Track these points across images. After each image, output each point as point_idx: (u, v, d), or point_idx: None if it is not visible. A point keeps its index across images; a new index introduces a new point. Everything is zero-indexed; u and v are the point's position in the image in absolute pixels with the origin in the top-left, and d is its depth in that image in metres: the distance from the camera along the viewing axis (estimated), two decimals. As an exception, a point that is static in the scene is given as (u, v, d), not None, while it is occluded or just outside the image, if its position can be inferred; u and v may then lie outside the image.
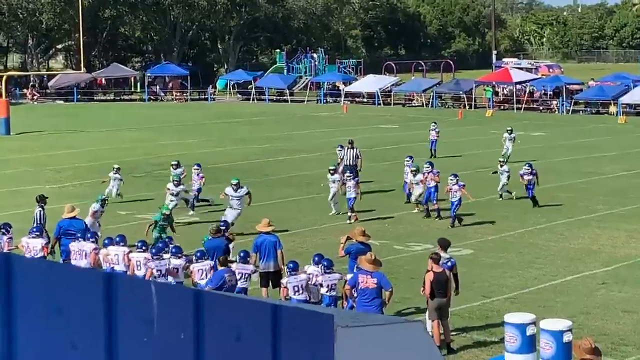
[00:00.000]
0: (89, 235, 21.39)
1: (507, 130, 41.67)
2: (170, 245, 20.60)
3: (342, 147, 36.55)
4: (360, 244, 20.03)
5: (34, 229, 22.13)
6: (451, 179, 29.62)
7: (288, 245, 23.92)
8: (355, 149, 35.97)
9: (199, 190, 32.65)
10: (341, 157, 36.08)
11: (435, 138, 42.82)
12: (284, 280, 18.63)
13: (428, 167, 30.82)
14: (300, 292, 18.14)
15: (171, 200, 29.59)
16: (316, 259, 18.84)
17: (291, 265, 18.56)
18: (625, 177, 38.35)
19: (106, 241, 20.99)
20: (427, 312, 18.14)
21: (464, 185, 29.67)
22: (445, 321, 17.84)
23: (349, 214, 29.88)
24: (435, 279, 17.79)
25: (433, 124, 43.75)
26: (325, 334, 3.25)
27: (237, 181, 28.87)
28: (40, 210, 24.52)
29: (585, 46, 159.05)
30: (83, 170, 41.41)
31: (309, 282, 18.28)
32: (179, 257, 19.77)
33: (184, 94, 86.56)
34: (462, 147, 43.71)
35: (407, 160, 33.20)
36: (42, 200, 25.04)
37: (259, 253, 20.62)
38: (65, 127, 59.97)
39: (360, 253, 19.35)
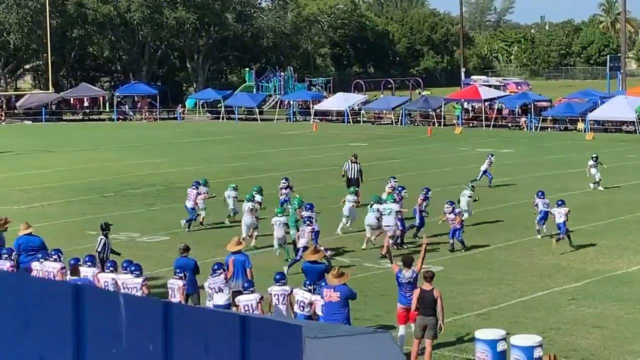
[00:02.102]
0: (52, 252, 21.12)
1: (592, 158, 39.81)
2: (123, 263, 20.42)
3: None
4: (309, 262, 20.03)
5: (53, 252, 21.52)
6: (447, 207, 28.79)
7: (258, 263, 23.85)
8: (358, 164, 37.08)
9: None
10: (345, 171, 37.24)
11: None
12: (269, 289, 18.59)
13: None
14: (285, 302, 18.17)
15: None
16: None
17: (278, 276, 18.59)
18: (593, 194, 38.57)
19: (72, 262, 20.75)
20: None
21: (460, 213, 29.18)
22: (429, 342, 17.80)
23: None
24: (421, 296, 17.82)
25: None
26: (293, 345, 3.26)
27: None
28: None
29: (553, 63, 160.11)
30: (52, 191, 41.21)
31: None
32: (139, 276, 19.59)
33: (153, 114, 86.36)
34: (432, 164, 43.83)
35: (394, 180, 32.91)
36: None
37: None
38: (34, 147, 59.68)
39: (307, 272, 19.47)
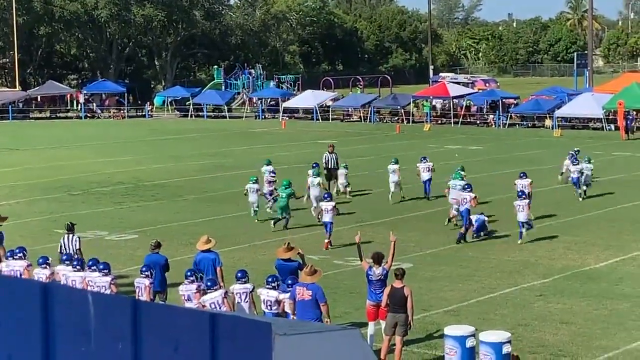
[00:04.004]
0: (17, 250, 20.94)
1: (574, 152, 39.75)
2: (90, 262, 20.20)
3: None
4: (282, 260, 19.97)
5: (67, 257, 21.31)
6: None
7: (227, 261, 23.82)
8: (335, 153, 38.92)
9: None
10: (325, 162, 38.56)
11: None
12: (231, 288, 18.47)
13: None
14: (247, 300, 18.09)
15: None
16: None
17: (239, 274, 18.48)
18: (561, 190, 38.74)
19: (40, 260, 20.59)
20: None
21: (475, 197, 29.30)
22: (400, 338, 17.82)
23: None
24: (391, 293, 17.83)
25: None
26: (263, 342, 3.25)
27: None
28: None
29: (521, 60, 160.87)
30: (18, 189, 40.97)
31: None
32: (107, 275, 19.45)
33: (121, 111, 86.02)
34: (401, 161, 43.74)
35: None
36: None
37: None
38: (0, 145, 59.29)
39: (280, 270, 19.43)
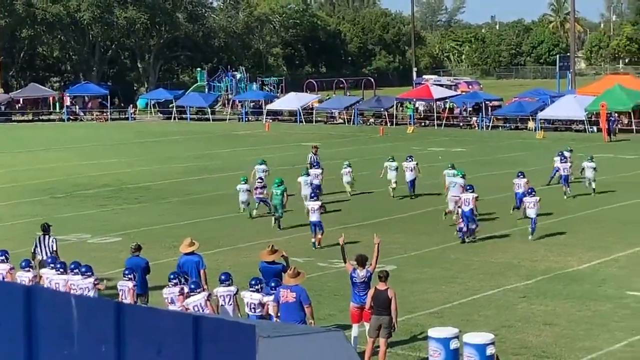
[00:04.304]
0: None
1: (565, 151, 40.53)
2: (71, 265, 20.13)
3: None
4: (266, 262, 19.94)
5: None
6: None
7: (211, 264, 23.79)
8: (317, 155, 39.82)
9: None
10: (309, 162, 39.33)
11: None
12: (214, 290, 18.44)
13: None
14: (231, 302, 18.06)
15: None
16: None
17: (223, 277, 18.44)
18: (543, 192, 38.77)
19: (23, 263, 20.52)
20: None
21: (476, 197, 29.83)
22: (384, 341, 17.83)
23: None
24: (375, 295, 17.84)
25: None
26: (246, 344, 3.24)
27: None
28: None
29: (504, 63, 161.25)
30: (1, 192, 40.83)
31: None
32: (89, 276, 19.39)
33: (104, 114, 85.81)
34: (384, 163, 43.81)
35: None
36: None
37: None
38: (-17, 148, 59.10)
39: (264, 272, 19.42)
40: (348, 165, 39.11)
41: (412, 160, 38.35)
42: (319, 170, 37.43)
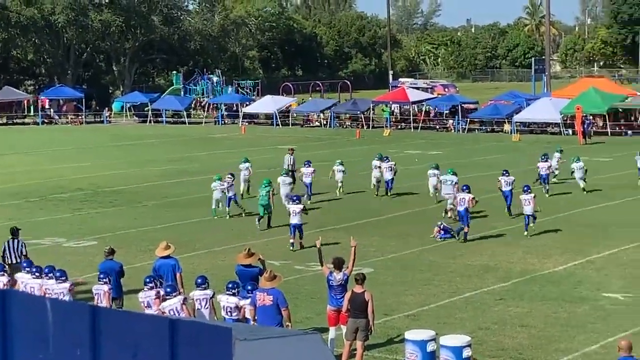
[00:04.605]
0: None
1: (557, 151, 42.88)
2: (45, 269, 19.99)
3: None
4: (242, 265, 19.89)
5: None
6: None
7: (187, 267, 23.73)
8: (293, 157, 40.93)
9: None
10: (288, 164, 40.50)
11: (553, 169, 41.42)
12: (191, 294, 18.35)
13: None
14: (207, 306, 17.99)
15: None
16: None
17: (199, 280, 18.38)
18: (520, 194, 38.87)
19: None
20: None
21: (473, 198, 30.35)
22: (361, 343, 17.82)
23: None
24: (352, 298, 17.82)
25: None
26: (223, 347, 3.22)
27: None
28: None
29: (479, 66, 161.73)
30: (-24, 195, 40.59)
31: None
32: (64, 281, 19.26)
33: (79, 117, 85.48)
34: (360, 166, 43.87)
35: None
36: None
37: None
38: (-42, 151, 58.74)
39: (241, 275, 19.37)
40: (340, 163, 40.07)
41: (388, 160, 39.44)
42: (311, 169, 38.15)
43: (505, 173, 34.91)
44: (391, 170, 38.95)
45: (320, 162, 48.49)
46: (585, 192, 39.16)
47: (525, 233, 30.74)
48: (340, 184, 39.59)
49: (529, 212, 30.87)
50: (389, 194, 38.89)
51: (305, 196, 37.01)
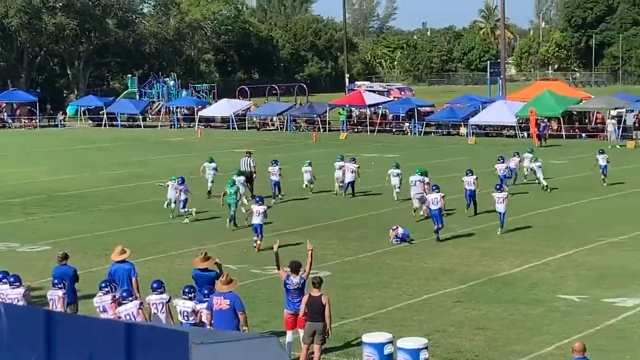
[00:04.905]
0: None
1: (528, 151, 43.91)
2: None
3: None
4: (199, 270, 19.79)
5: None
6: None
7: (143, 272, 23.59)
8: (251, 158, 40.57)
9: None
10: (244, 166, 40.23)
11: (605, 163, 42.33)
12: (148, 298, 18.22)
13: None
14: (164, 310, 17.87)
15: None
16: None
17: (155, 284, 18.26)
18: (478, 197, 39.04)
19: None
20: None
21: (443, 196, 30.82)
22: (318, 347, 17.80)
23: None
24: (309, 301, 17.79)
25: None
26: (180, 351, 3.19)
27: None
28: None
29: (435, 69, 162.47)
30: None
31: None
32: (18, 286, 19.05)
33: (33, 121, 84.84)
34: (317, 169, 43.82)
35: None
36: None
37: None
38: None
39: (197, 280, 19.29)
40: (309, 164, 40.94)
41: (354, 162, 40.12)
42: (277, 168, 38.94)
43: (469, 173, 35.47)
44: (352, 172, 39.65)
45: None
46: (549, 190, 40.19)
47: (499, 232, 31.32)
48: (308, 184, 40.56)
49: (501, 210, 31.40)
50: (353, 194, 39.63)
51: (272, 195, 38.21)
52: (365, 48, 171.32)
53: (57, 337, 3.31)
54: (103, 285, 18.42)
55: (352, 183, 39.71)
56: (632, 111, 65.56)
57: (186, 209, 34.34)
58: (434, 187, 31.41)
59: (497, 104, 71.33)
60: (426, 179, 34.93)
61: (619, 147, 58.84)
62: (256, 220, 29.28)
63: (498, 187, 32.40)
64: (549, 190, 40.28)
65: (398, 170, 38.40)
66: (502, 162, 40.08)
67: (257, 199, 30.54)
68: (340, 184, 40.35)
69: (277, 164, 39.29)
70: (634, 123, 64.08)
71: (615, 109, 66.45)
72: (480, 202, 35.11)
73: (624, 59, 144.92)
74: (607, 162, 42.26)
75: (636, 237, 30.60)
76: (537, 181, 41.37)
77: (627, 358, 18.74)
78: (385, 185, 39.40)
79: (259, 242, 29.07)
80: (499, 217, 31.54)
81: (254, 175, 40.06)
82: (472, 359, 18.64)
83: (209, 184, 39.94)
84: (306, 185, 40.81)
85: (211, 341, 4.11)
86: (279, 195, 39.06)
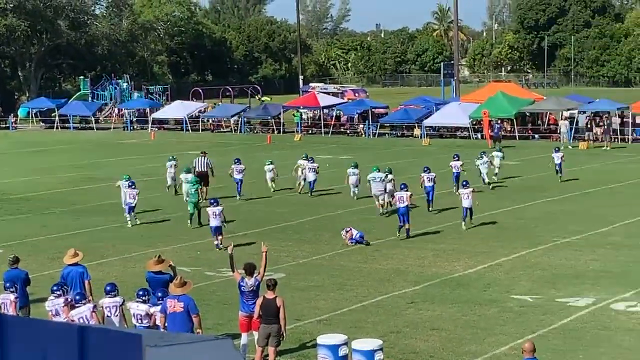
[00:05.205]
0: None
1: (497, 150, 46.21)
2: None
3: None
4: (152, 272, 19.69)
5: None
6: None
7: (96, 275, 23.44)
8: (206, 158, 40.74)
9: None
10: (194, 165, 40.33)
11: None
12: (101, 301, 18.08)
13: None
14: (117, 313, 17.73)
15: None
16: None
17: (108, 287, 18.13)
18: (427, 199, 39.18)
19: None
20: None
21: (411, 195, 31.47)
22: (273, 349, 17.77)
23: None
24: (264, 304, 17.74)
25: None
26: (133, 354, 3.15)
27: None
28: None
29: (389, 70, 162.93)
30: None
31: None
32: None
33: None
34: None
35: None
36: None
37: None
38: None
39: (151, 282, 19.19)
40: (270, 162, 42.10)
41: (312, 161, 41.31)
42: (242, 166, 40.08)
43: (426, 170, 36.62)
44: (314, 171, 40.77)
45: (229, 167, 48.38)
46: (496, 179, 42.52)
47: (464, 227, 32.29)
48: (271, 182, 41.65)
49: (466, 205, 32.40)
50: (311, 193, 40.31)
51: (238, 193, 39.49)
52: (319, 50, 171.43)
53: (9, 341, 3.25)
54: (55, 288, 18.26)
55: (314, 182, 40.60)
56: (584, 112, 66.12)
57: (133, 214, 33.93)
58: (402, 186, 31.88)
59: (450, 106, 71.60)
60: (382, 175, 36.06)
61: (570, 147, 59.30)
62: (213, 222, 29.35)
63: (465, 183, 33.19)
64: (490, 187, 41.62)
65: (356, 170, 39.14)
66: (458, 160, 40.72)
67: (212, 200, 30.57)
68: (302, 182, 41.16)
69: (240, 162, 40.34)
70: (586, 124, 64.62)
71: (568, 110, 66.98)
72: (435, 201, 35.28)
73: (576, 61, 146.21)
74: (562, 160, 44.16)
75: (589, 237, 30.86)
76: (494, 170, 43.42)
77: (581, 357, 18.87)
78: (344, 185, 39.67)
79: (220, 237, 29.52)
80: (462, 213, 32.54)
81: (213, 174, 40.32)
82: (427, 360, 18.70)
83: (170, 181, 41.11)
84: (270, 186, 41.50)
85: (165, 344, 4.06)
86: (239, 195, 39.54)
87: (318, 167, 41.41)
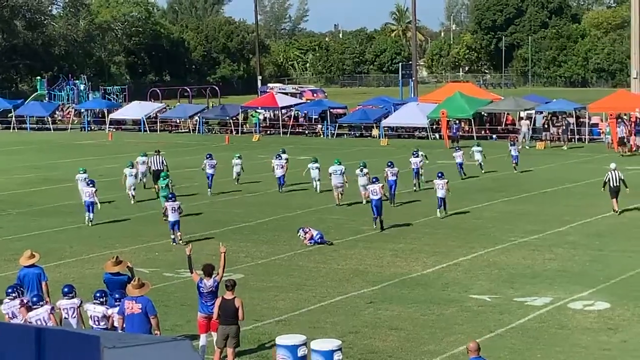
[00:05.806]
0: None
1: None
2: None
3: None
4: (110, 274, 19.60)
5: None
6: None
7: (54, 276, 23.28)
8: (160, 156, 42.08)
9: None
10: (149, 165, 42.18)
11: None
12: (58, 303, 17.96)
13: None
14: (75, 315, 17.62)
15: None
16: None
17: (66, 289, 18.02)
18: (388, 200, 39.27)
19: None
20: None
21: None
22: (232, 350, 17.75)
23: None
24: (222, 304, 17.71)
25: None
26: (91, 355, 3.13)
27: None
28: None
29: (347, 71, 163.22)
30: None
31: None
32: None
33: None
34: (229, 172, 43.69)
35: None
36: None
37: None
38: None
39: (109, 284, 19.10)
40: (239, 157, 43.81)
41: (281, 158, 42.13)
42: (214, 162, 41.28)
43: (390, 164, 37.99)
44: (282, 167, 41.62)
45: (189, 168, 48.25)
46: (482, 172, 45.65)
47: (438, 214, 34.50)
48: (236, 176, 43.35)
49: (441, 196, 34.42)
50: (280, 189, 41.40)
51: (209, 186, 40.74)
52: (278, 50, 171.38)
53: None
54: (10, 290, 18.11)
55: (282, 177, 41.61)
56: (542, 113, 66.56)
57: (92, 215, 33.74)
58: (373, 179, 33.16)
59: (408, 106, 71.83)
60: (342, 169, 37.66)
61: (527, 147, 59.67)
62: (172, 217, 29.80)
63: (439, 174, 34.88)
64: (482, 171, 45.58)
65: (317, 164, 40.80)
66: (417, 156, 41.77)
67: (170, 195, 30.88)
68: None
69: (212, 158, 41.47)
70: (543, 124, 65.05)
71: (525, 110, 67.38)
72: (391, 205, 35.35)
73: (533, 61, 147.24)
74: (518, 152, 47.60)
75: (546, 237, 31.07)
76: (477, 164, 46.77)
77: (539, 357, 18.99)
78: (304, 176, 40.34)
79: (178, 233, 29.94)
80: (437, 203, 34.63)
81: (168, 171, 39.96)
82: (386, 360, 18.74)
83: (143, 178, 42.46)
84: (235, 178, 43.10)
85: (123, 345, 4.05)
86: (210, 189, 40.69)
87: (287, 162, 42.13)
